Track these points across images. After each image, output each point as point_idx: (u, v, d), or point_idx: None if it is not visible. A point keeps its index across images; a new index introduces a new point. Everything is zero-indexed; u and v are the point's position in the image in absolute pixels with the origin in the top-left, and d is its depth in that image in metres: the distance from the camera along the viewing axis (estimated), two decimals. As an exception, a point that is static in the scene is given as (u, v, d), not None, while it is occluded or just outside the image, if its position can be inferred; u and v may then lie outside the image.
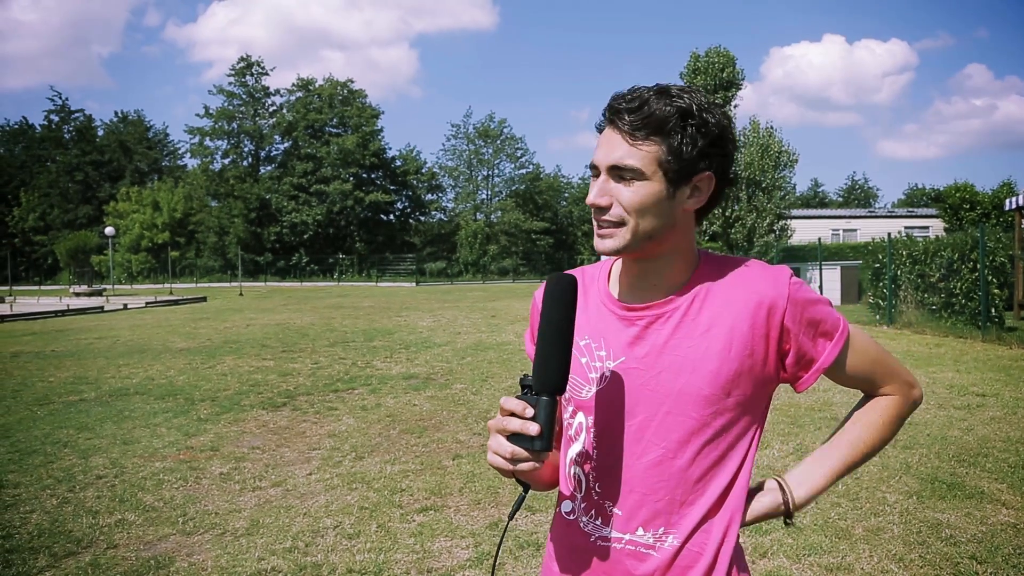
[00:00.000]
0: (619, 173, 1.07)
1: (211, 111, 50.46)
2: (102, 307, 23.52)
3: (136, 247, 49.34)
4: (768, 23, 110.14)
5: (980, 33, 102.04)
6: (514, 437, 0.99)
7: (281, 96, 53.01)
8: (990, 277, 12.38)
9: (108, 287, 35.84)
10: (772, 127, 21.28)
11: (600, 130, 1.12)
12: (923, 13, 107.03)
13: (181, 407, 7.36)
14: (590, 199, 1.09)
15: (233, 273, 46.52)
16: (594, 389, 1.15)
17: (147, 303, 25.60)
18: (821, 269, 19.28)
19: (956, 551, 3.45)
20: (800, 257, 22.19)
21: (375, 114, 52.74)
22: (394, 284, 44.26)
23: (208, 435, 6.20)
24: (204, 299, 28.66)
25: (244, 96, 51.36)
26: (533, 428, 0.97)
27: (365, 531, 3.92)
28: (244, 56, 51.38)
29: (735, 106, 25.62)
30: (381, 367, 9.91)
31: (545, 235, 57.41)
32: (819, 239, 20.76)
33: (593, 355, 1.15)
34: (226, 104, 50.81)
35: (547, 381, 1.00)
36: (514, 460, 0.99)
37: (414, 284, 44.05)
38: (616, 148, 1.07)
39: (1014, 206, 14.53)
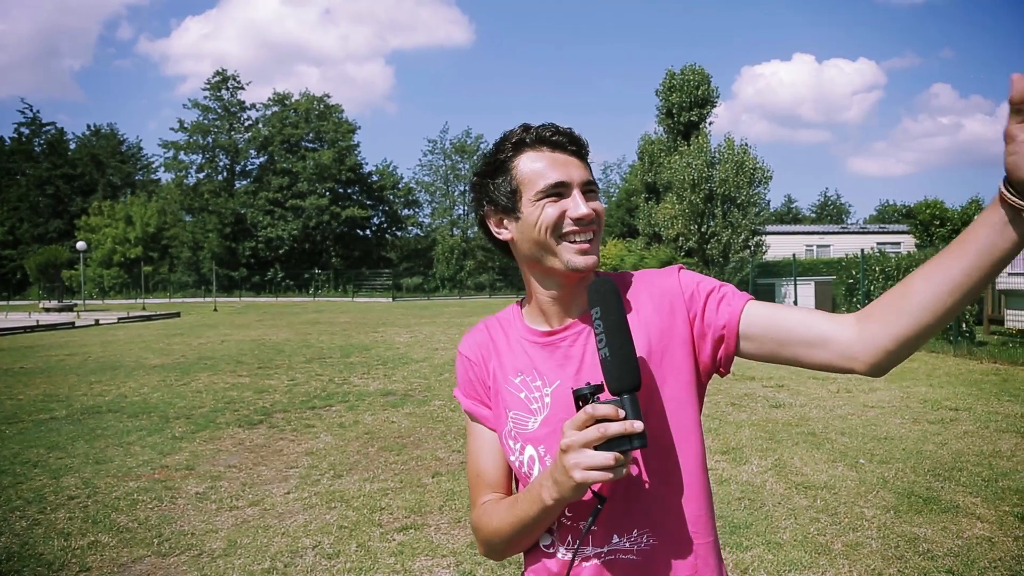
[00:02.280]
0: (587, 188, 1.13)
1: (186, 125, 50.08)
2: (73, 323, 23.11)
3: (108, 262, 48.61)
4: (739, 42, 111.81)
5: (945, 53, 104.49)
6: (607, 443, 0.94)
7: (257, 111, 52.78)
8: (960, 293, 12.60)
9: (79, 302, 35.24)
10: (746, 144, 21.57)
11: (517, 150, 1.15)
12: (890, 33, 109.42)
13: (155, 425, 7.23)
14: (583, 211, 1.09)
15: (207, 288, 45.97)
16: (539, 418, 1.14)
17: (119, 319, 25.20)
18: (796, 284, 19.51)
19: (933, 565, 3.49)
20: (775, 272, 22.45)
21: (351, 129, 52.63)
22: (370, 299, 44.01)
23: (183, 454, 6.09)
24: (178, 315, 28.28)
25: (219, 110, 51.01)
26: (639, 425, 0.94)
27: (345, 551, 3.87)
28: (220, 70, 51.16)
29: (710, 123, 25.95)
30: (358, 383, 9.83)
31: (522, 250, 57.52)
32: (793, 255, 21.02)
33: (530, 388, 1.16)
34: (201, 118, 50.44)
35: (627, 379, 0.97)
36: (618, 465, 0.94)
37: (391, 299, 43.83)
38: (579, 167, 1.13)
39: (982, 223, 14.82)
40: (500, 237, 1.19)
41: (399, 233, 58.69)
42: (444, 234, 56.58)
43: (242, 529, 4.26)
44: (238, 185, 51.97)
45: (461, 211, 59.19)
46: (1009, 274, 13.85)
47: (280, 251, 49.06)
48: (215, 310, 32.16)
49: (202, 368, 11.65)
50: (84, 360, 13.03)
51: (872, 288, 14.97)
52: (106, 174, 55.87)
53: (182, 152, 50.37)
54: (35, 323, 22.38)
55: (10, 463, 5.82)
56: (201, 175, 51.26)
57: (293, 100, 52.54)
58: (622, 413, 0.95)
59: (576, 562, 1.11)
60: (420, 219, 59.40)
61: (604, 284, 1.04)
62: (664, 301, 1.14)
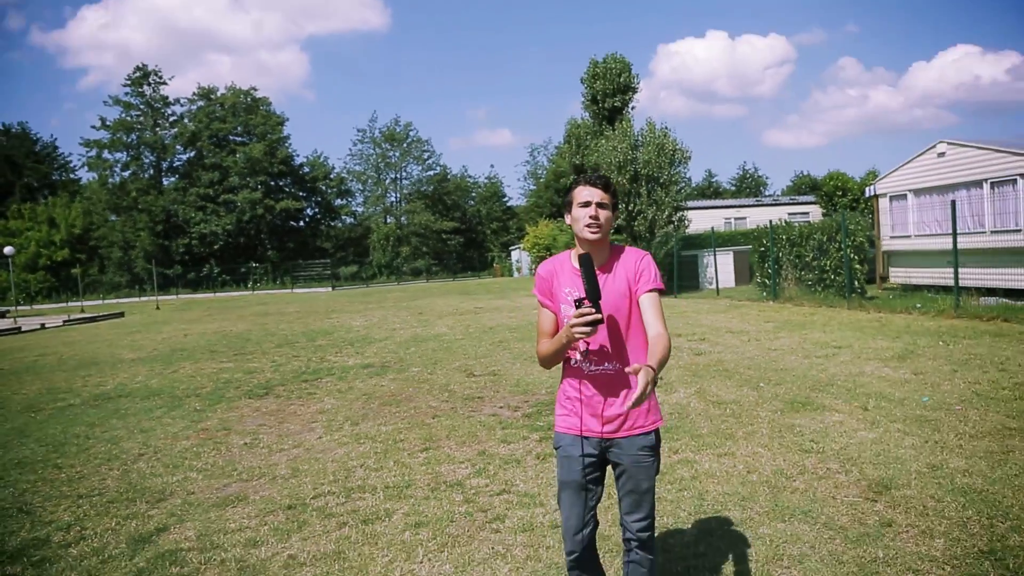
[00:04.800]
0: (599, 204, 2.49)
1: (108, 123, 49.07)
2: (19, 328, 23.18)
3: (33, 266, 47.40)
4: (652, 20, 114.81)
5: (850, 28, 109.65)
6: (589, 324, 2.29)
7: (182, 106, 52.12)
8: (852, 255, 14.61)
9: (9, 308, 34.64)
10: (667, 128, 23.33)
11: (575, 186, 2.55)
12: (798, 9, 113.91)
13: (171, 403, 8.26)
14: (592, 215, 2.47)
15: (141, 288, 45.53)
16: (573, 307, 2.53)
17: (65, 321, 25.32)
18: (715, 255, 21.43)
19: (802, 439, 5.08)
20: (697, 244, 24.37)
21: (280, 122, 52.63)
22: (310, 290, 44.46)
23: (213, 420, 7.22)
24: (122, 315, 28.42)
25: (142, 106, 50.18)
26: (598, 316, 2.28)
27: (385, 465, 5.19)
28: (140, 65, 50.38)
29: (632, 108, 27.65)
30: (336, 360, 11.00)
31: (455, 234, 58.67)
32: (712, 228, 22.98)
33: (572, 294, 2.51)
34: (124, 115, 49.52)
35: (593, 296, 2.32)
36: (590, 333, 2.26)
37: (330, 289, 44.38)
38: (598, 194, 2.50)
39: (872, 193, 16.92)
40: (567, 222, 2.58)
41: (333, 223, 58.93)
42: (378, 222, 57.17)
43: (297, 462, 5.51)
44: (166, 182, 51.32)
45: (394, 198, 59.80)
46: (891, 237, 15.98)
47: (215, 247, 48.88)
48: (158, 308, 32.28)
49: (181, 358, 12.52)
50: (60, 359, 13.67)
51: (780, 254, 16.92)
52: (23, 175, 54.07)
53: (106, 150, 49.41)
54: (-22, 330, 22.38)
55: (64, 437, 6.82)
56: (126, 173, 50.40)
57: (219, 94, 52.07)
58: (592, 310, 2.30)
59: (587, 370, 2.51)
60: (353, 208, 59.76)
61: (584, 256, 2.39)
62: (632, 265, 2.52)
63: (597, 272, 2.43)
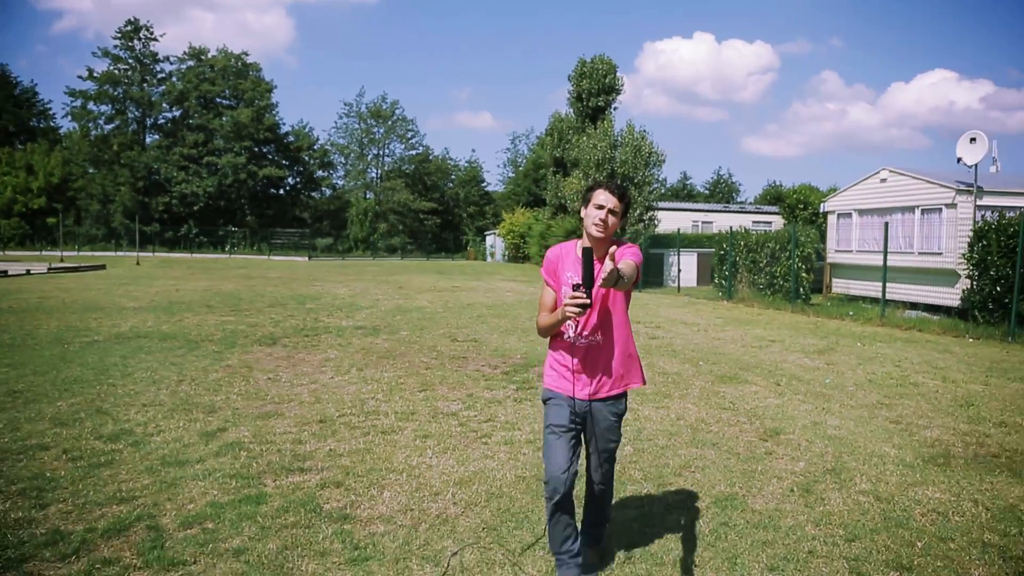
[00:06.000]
0: (611, 210, 3.55)
1: (96, 74, 49.05)
2: (6, 271, 23.84)
3: (7, 212, 47.38)
4: (642, 17, 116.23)
5: (835, 41, 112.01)
6: (579, 306, 2.66)
7: (171, 64, 52.22)
8: (800, 264, 16.14)
9: (-12, 252, 34.98)
10: (644, 131, 24.73)
11: (597, 187, 3.42)
12: (785, 18, 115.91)
13: (189, 346, 9.35)
14: (602, 218, 3.04)
15: (117, 242, 45.80)
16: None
17: (49, 269, 25.98)
18: (679, 255, 22.90)
19: (724, 401, 6.47)
20: (665, 244, 25.79)
21: (269, 88, 53.00)
22: (286, 258, 45.19)
23: (233, 360, 8.37)
24: (103, 267, 29.07)
25: (131, 61, 50.20)
26: (587, 300, 2.63)
27: (392, 399, 6.45)
28: (132, 19, 50.36)
29: (615, 108, 29.01)
30: (330, 321, 12.16)
31: (432, 215, 59.63)
32: (678, 229, 24.47)
33: (572, 278, 3.61)
34: (111, 68, 49.53)
35: (588, 283, 3.06)
36: (581, 312, 2.68)
37: (307, 258, 45.17)
38: (613, 201, 3.38)
39: (824, 210, 18.49)
40: (581, 215, 3.03)
41: (313, 194, 59.50)
42: (358, 196, 57.90)
43: (317, 393, 6.72)
44: (150, 139, 51.53)
45: (374, 174, 60.49)
46: (836, 251, 17.56)
47: (195, 207, 49.28)
48: (138, 264, 32.90)
49: (181, 310, 13.53)
50: (63, 303, 14.55)
51: (738, 259, 18.42)
52: (1, 119, 53.68)
53: (91, 102, 49.41)
54: (-35, 271, 22.98)
55: (103, 363, 7.90)
56: (110, 127, 50.49)
57: (210, 56, 52.24)
58: (583, 295, 3.12)
59: (576, 342, 3.62)
60: (334, 181, 60.38)
61: (587, 249, 2.73)
62: (621, 251, 3.42)
63: (596, 263, 2.85)
